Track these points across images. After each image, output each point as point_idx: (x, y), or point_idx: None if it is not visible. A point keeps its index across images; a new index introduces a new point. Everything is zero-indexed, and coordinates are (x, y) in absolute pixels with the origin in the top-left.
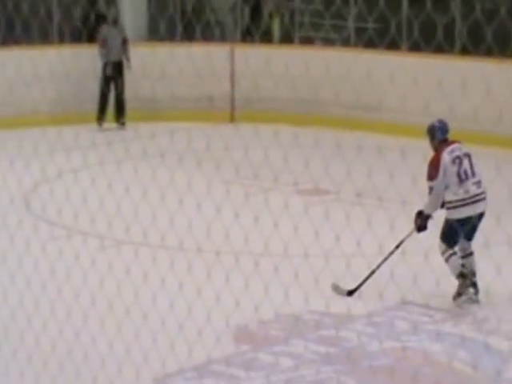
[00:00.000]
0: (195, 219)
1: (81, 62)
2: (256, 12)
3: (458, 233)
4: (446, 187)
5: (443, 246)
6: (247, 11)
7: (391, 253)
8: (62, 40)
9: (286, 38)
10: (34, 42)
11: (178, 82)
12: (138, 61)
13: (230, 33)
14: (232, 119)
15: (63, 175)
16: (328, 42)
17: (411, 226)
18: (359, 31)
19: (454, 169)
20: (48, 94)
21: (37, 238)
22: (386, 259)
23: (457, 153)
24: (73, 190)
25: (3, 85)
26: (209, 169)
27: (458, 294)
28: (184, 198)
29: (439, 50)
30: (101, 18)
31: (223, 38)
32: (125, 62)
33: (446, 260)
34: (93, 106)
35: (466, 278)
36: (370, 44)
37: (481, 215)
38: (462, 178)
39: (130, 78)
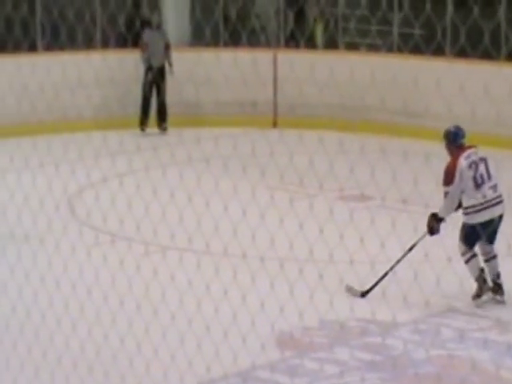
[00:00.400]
0: (240, 225)
1: (125, 67)
2: (300, 17)
3: (477, 235)
4: (462, 192)
5: (463, 247)
6: (291, 16)
7: (404, 255)
8: (106, 45)
9: (331, 44)
10: (79, 47)
11: (222, 87)
12: (183, 66)
13: (273, 38)
14: (275, 125)
15: (108, 180)
16: (373, 47)
17: (457, 232)
18: (405, 37)
19: (471, 173)
20: (92, 99)
21: (82, 244)
22: (399, 261)
23: (473, 158)
24: (118, 195)
25: (49, 90)
26: (253, 175)
27: (478, 296)
28: (229, 204)
29: (486, 55)
30: (145, 23)
31: (268, 44)
32: (167, 67)
33: (466, 262)
34: (137, 110)
35: (485, 282)
36: (415, 50)
37: (500, 218)
38: (478, 183)
39: (174, 82)
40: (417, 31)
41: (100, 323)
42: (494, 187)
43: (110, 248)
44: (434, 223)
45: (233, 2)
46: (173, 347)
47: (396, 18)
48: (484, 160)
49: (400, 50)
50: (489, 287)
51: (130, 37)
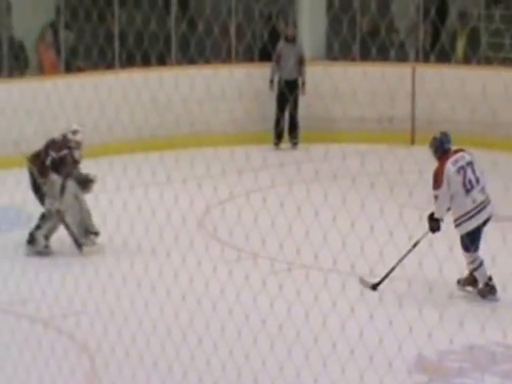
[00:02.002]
0: (367, 243)
1: (253, 81)
2: (438, 30)
3: (475, 240)
4: (452, 197)
5: (468, 256)
6: (429, 29)
7: (409, 251)
8: (235, 59)
9: (464, 58)
10: (208, 60)
11: (352, 101)
12: (313, 80)
13: (409, 52)
14: (413, 141)
15: (235, 196)
16: (507, 61)
17: None
18: None
19: (459, 179)
20: (220, 113)
21: (208, 259)
22: (404, 256)
23: (461, 163)
24: (244, 210)
25: (177, 103)
26: (382, 191)
27: (483, 295)
28: (356, 221)
29: None
30: (278, 37)
31: (400, 58)
32: (300, 83)
33: (475, 270)
34: (265, 125)
35: (491, 288)
36: None
37: (489, 218)
38: (467, 188)
39: (304, 96)
40: None
41: (224, 338)
42: (482, 190)
43: (236, 263)
44: (434, 222)
45: (368, 15)
46: (315, 370)
47: None
48: (471, 164)
49: None
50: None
51: (260, 50)
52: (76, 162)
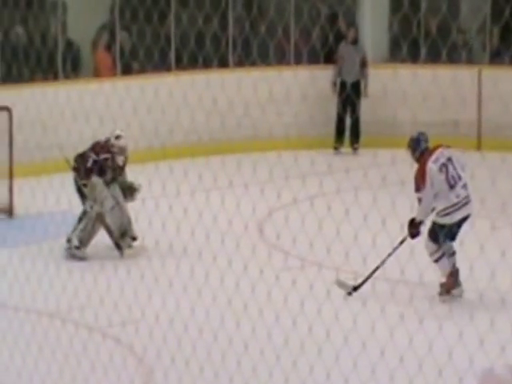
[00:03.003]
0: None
1: (317, 84)
2: (506, 32)
3: (448, 233)
4: (436, 195)
5: (433, 247)
6: (496, 32)
7: (393, 252)
8: (298, 61)
9: None
10: (271, 62)
11: (420, 106)
12: (379, 83)
13: (477, 55)
14: (479, 147)
15: (298, 202)
16: None
17: None
18: None
19: (442, 177)
20: (283, 117)
21: (270, 267)
22: (390, 255)
23: (441, 160)
24: (308, 217)
25: (238, 106)
26: None
27: (447, 291)
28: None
29: None
30: (340, 39)
31: (470, 60)
32: (362, 85)
33: (436, 261)
34: (329, 129)
35: (457, 276)
36: None
37: (469, 215)
38: (451, 184)
39: (369, 100)
40: None
41: (288, 349)
42: (465, 186)
43: (300, 272)
44: (414, 228)
45: (434, 16)
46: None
47: None
48: (450, 160)
49: None
50: (460, 281)
51: (323, 52)
52: (118, 168)
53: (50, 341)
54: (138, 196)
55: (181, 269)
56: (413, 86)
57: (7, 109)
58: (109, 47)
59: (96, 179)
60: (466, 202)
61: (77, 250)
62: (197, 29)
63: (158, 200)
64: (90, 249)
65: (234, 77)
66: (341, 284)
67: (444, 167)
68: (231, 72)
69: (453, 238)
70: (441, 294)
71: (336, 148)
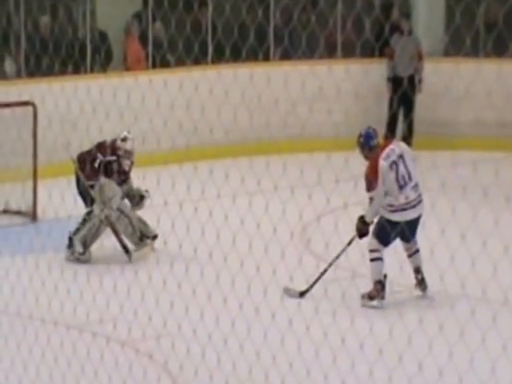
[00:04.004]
0: (501, 264)
1: (371, 79)
2: None
3: (392, 232)
4: (386, 193)
5: (375, 244)
6: None
7: (340, 253)
8: (350, 54)
9: None
10: (321, 56)
11: (484, 104)
12: (437, 79)
13: None
14: None
15: (348, 207)
16: None
17: None
18: None
19: (392, 175)
20: (333, 115)
21: (300, 273)
22: (337, 257)
23: (392, 157)
24: (342, 223)
25: (284, 103)
26: (497, 202)
27: (369, 297)
28: (488, 240)
29: None
30: (395, 29)
31: None
32: (416, 80)
33: (371, 260)
34: (382, 128)
35: (383, 289)
36: None
37: (419, 217)
38: (400, 184)
39: (426, 98)
40: None
41: (319, 362)
42: (415, 187)
43: (350, 283)
44: (363, 226)
45: (500, 5)
46: None
47: None
48: (401, 157)
49: None
50: (383, 295)
51: (377, 45)
52: (124, 173)
53: (79, 353)
54: (147, 203)
55: (205, 276)
56: (476, 82)
57: (32, 104)
58: (141, 38)
59: (105, 180)
60: (414, 203)
61: (81, 255)
62: (240, 19)
63: (197, 204)
64: (107, 252)
65: (279, 71)
66: (287, 291)
67: (394, 165)
68: (277, 66)
69: (406, 239)
70: (363, 297)
71: None
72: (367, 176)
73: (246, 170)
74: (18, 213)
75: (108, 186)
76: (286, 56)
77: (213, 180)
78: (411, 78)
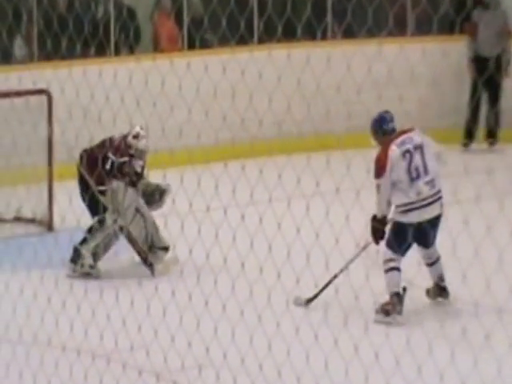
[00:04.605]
0: None
1: (449, 61)
2: None
3: (406, 237)
4: (394, 185)
5: (388, 253)
6: None
7: (348, 264)
8: (426, 31)
9: None
10: (391, 34)
11: None
12: None
13: None
14: None
15: None
16: None
17: None
18: None
19: (404, 164)
20: (405, 103)
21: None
22: (342, 270)
23: (407, 145)
24: (441, 233)
25: (348, 89)
26: None
27: (385, 312)
28: None
29: None
30: (478, 3)
31: None
32: (504, 61)
33: (386, 271)
34: (460, 120)
35: (400, 302)
36: None
37: (437, 218)
38: (412, 177)
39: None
40: None
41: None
42: (431, 182)
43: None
44: (378, 227)
45: None
46: None
47: None
48: (420, 148)
49: None
50: (400, 309)
51: (457, 20)
52: (137, 175)
53: None
54: (168, 199)
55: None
56: None
57: (46, 92)
58: (176, 15)
59: (118, 184)
60: (430, 201)
61: (91, 269)
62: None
63: (245, 209)
64: (118, 264)
65: (340, 52)
66: (295, 300)
67: (408, 154)
68: (337, 46)
69: (425, 245)
70: (377, 312)
71: (465, 145)
72: (376, 161)
73: (303, 168)
74: (32, 221)
75: (122, 192)
76: (348, 34)
77: (263, 181)
78: (498, 59)
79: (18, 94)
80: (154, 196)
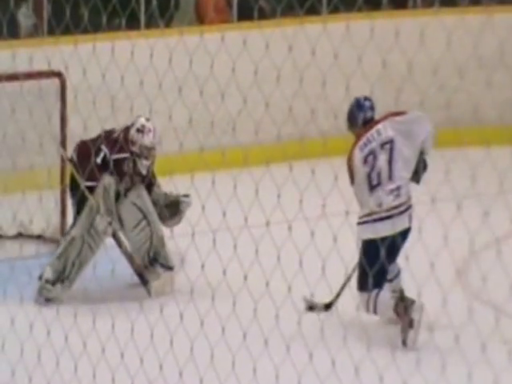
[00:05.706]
0: None
1: None
2: None
3: (376, 257)
4: (356, 194)
5: (365, 296)
6: None
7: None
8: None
9: None
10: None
11: None
12: None
13: None
14: None
15: None
16: None
17: None
18: None
19: (366, 170)
20: (494, 90)
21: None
22: (355, 267)
23: (372, 144)
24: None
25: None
26: None
27: (410, 325)
28: None
29: None
30: None
31: None
32: None
33: (375, 312)
34: None
35: (403, 300)
36: None
37: (404, 233)
38: (372, 184)
39: None
40: None
41: None
42: (396, 191)
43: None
44: None
45: None
46: None
47: None
48: (389, 144)
49: None
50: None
51: None
52: (138, 176)
53: None
54: (188, 210)
55: None
56: None
57: (59, 74)
58: None
59: (109, 180)
60: (391, 214)
61: (47, 283)
62: None
63: (292, 223)
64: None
65: (416, 24)
66: (310, 305)
67: (372, 156)
68: (431, 17)
69: (388, 261)
70: (403, 342)
71: None
72: (347, 165)
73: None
74: (40, 238)
75: (113, 188)
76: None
77: (315, 184)
78: None
79: (28, 76)
80: (170, 209)
